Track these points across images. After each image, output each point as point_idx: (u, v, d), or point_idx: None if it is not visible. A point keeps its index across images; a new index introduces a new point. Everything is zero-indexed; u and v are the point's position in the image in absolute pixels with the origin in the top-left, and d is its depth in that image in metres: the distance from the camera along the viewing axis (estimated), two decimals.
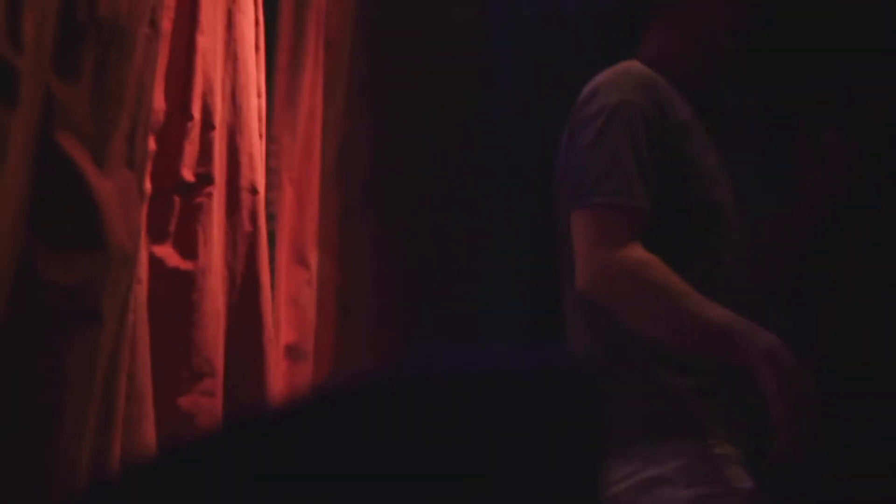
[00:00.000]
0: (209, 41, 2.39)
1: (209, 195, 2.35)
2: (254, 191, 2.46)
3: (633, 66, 2.22)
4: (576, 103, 2.20)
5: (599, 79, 2.18)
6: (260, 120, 2.53)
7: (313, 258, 2.76)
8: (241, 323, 2.37)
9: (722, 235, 2.18)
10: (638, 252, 2.01)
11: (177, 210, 2.31)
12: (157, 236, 2.28)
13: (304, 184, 2.76)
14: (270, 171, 2.67)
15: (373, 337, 3.03)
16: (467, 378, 1.23)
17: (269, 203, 2.62)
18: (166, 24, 2.29)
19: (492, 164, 4.20)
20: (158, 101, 2.28)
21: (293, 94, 2.78)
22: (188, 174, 2.33)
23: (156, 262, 2.26)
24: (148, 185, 2.24)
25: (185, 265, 2.29)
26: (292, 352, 2.64)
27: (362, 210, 3.11)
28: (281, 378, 2.48)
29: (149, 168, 2.24)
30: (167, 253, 2.29)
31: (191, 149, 2.34)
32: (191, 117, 2.33)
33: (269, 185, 2.64)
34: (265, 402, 2.31)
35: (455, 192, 3.66)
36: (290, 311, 2.67)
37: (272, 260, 2.61)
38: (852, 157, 2.36)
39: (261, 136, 2.53)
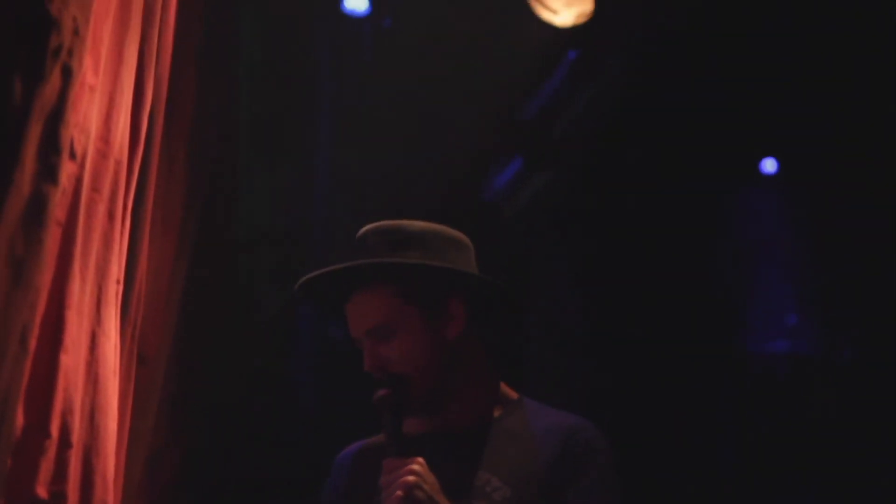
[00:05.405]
0: (72, 361, 2.42)
1: None
2: None
3: None
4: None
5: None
6: (119, 441, 2.55)
7: None
8: None
9: None
10: None
11: None
12: None
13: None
14: None
15: None
16: None
17: None
18: (31, 342, 2.33)
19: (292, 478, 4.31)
20: (17, 416, 2.29)
21: None
22: (42, 491, 2.31)
23: None
24: (1, 502, 2.23)
25: None
26: None
27: None
28: None
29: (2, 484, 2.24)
30: None
31: (46, 466, 2.33)
32: (48, 435, 2.34)
33: None
34: None
35: None
36: None
37: None
38: None
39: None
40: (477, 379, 2.83)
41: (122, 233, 2.66)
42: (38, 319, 2.37)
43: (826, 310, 5.77)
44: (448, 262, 2.79)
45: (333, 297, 2.86)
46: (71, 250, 2.46)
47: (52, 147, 2.19)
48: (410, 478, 2.53)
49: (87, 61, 2.40)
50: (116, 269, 2.64)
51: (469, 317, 2.81)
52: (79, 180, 2.41)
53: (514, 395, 2.90)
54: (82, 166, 2.41)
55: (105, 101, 2.57)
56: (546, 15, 5.02)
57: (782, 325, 5.76)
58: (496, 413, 2.83)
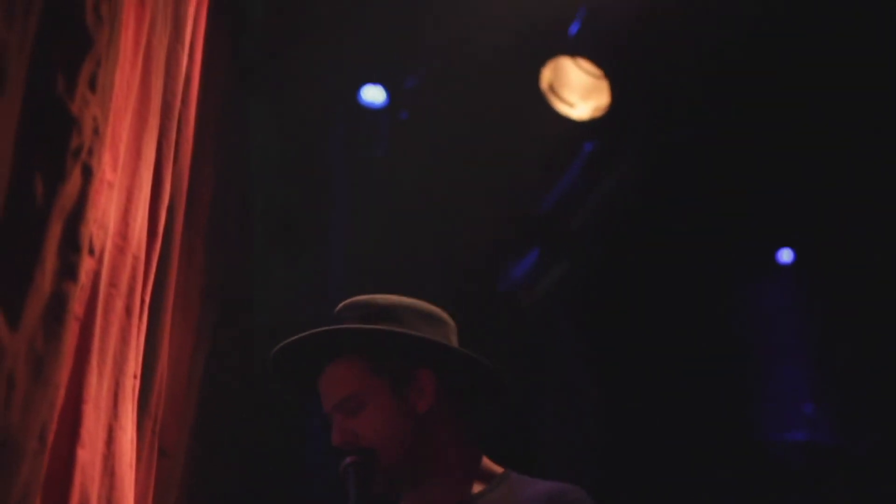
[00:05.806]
0: (89, 455, 2.42)
1: None
2: None
3: None
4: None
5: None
6: None
7: None
8: None
9: None
10: None
11: None
12: None
13: None
14: None
15: None
16: None
17: None
18: (49, 438, 2.34)
19: None
20: None
21: None
22: None
23: None
24: None
25: None
26: None
27: None
28: None
29: None
30: None
31: None
32: None
33: None
34: None
35: None
36: None
37: None
38: None
39: None
40: (452, 454, 2.77)
41: (139, 327, 2.67)
42: (56, 415, 2.39)
43: (842, 399, 5.74)
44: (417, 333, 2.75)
45: (307, 374, 2.84)
46: (89, 345, 2.47)
47: (72, 245, 2.21)
48: None
49: (106, 158, 2.43)
50: (133, 364, 2.64)
51: (442, 390, 2.77)
52: (97, 275, 2.42)
53: (498, 469, 2.83)
54: (101, 262, 2.43)
55: (123, 197, 2.59)
56: (563, 108, 5.07)
57: (799, 414, 5.73)
58: (476, 489, 2.76)
